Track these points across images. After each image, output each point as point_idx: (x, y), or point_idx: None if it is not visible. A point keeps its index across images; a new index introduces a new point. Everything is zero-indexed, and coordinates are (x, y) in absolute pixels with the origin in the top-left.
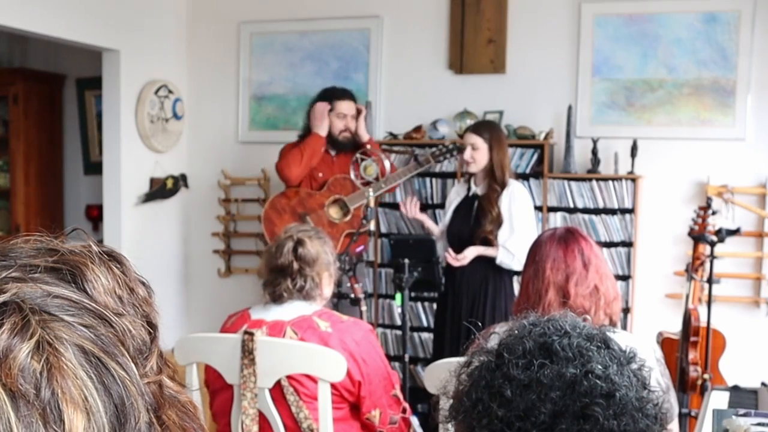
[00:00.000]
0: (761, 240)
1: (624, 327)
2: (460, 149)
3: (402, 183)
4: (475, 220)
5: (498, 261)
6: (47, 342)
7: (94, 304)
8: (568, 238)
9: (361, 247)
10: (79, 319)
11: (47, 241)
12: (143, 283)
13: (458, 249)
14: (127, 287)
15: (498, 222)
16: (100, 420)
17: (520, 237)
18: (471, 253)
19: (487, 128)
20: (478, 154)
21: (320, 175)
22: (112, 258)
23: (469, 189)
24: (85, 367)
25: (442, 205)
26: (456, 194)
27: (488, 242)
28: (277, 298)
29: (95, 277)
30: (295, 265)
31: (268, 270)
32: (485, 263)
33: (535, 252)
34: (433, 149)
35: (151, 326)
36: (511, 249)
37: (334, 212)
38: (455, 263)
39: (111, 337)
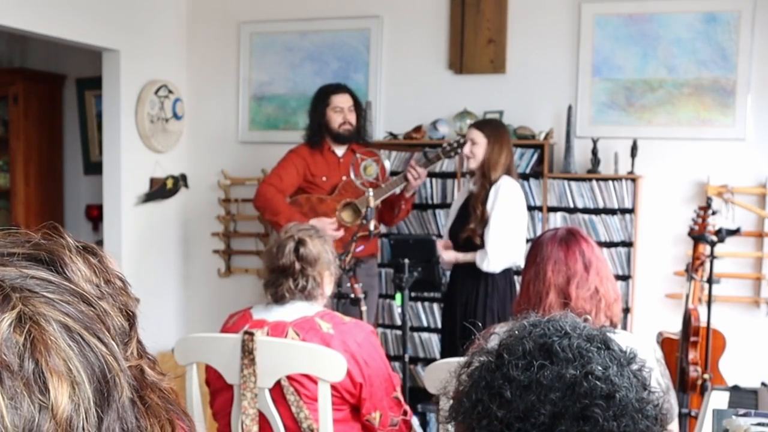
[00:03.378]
0: (761, 240)
1: (624, 327)
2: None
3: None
4: (468, 219)
5: (478, 265)
6: (28, 316)
7: (73, 286)
8: (570, 239)
9: (361, 247)
10: (59, 296)
11: (25, 235)
12: (119, 276)
13: (457, 247)
14: (104, 277)
15: (484, 221)
16: (85, 391)
17: (495, 235)
18: (450, 257)
19: (489, 126)
20: (477, 149)
21: (324, 179)
22: (89, 251)
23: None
24: (67, 340)
25: (441, 206)
26: (463, 192)
27: (471, 241)
28: (279, 299)
29: (73, 263)
30: (297, 266)
31: (269, 270)
32: (475, 265)
33: (536, 253)
34: (444, 145)
35: (129, 314)
36: (486, 249)
37: (346, 216)
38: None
39: (92, 316)
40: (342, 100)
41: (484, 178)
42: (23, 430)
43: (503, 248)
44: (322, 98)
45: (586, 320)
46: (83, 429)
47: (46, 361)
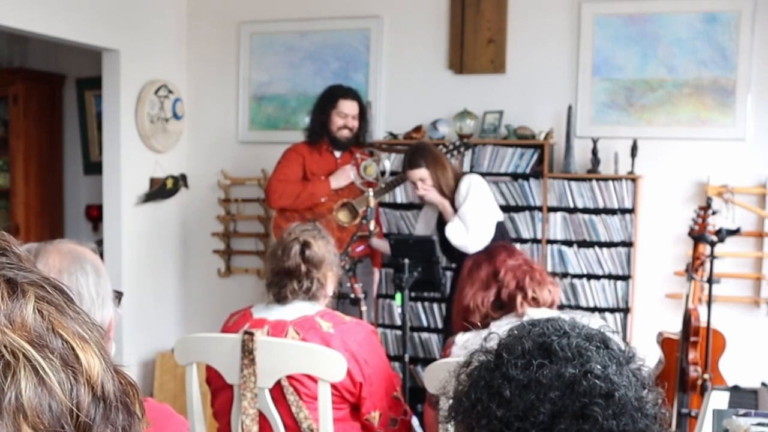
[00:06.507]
0: (761, 240)
1: (624, 327)
2: (466, 145)
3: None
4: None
5: (448, 230)
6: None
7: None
8: (490, 248)
9: (361, 248)
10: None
11: None
12: (47, 282)
13: (454, 258)
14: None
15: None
16: (108, 369)
17: (469, 216)
18: (435, 196)
19: (419, 156)
20: (427, 183)
21: (322, 178)
22: (10, 284)
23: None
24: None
25: None
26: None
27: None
28: (281, 299)
29: (13, 330)
30: (303, 268)
31: (273, 272)
32: None
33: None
34: (447, 144)
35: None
36: (467, 227)
37: (343, 216)
38: (421, 191)
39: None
40: (349, 107)
41: (445, 195)
42: None
43: (480, 225)
44: (329, 100)
45: (521, 288)
46: None
47: (69, 335)
